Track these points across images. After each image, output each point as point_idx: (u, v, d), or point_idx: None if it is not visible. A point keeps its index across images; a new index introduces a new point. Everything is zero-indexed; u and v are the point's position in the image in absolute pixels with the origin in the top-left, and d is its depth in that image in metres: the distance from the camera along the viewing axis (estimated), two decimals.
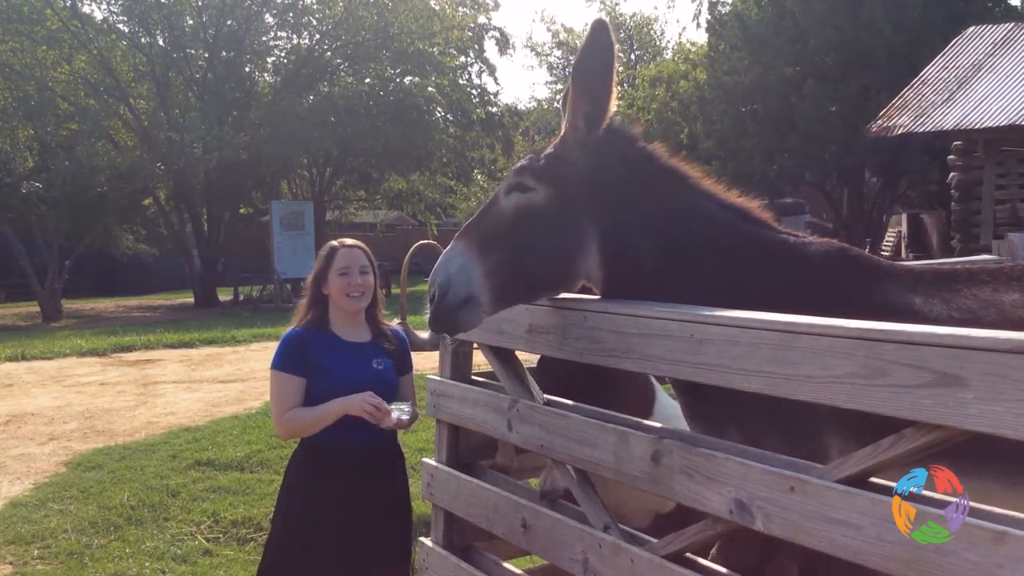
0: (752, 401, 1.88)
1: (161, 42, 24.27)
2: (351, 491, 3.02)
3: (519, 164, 2.37)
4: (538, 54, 51.73)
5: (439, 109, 28.17)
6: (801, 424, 2.03)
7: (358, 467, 3.05)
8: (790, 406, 1.80)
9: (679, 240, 2.29)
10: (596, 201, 2.29)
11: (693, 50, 29.83)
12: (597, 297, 2.37)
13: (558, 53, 50.38)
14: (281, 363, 3.05)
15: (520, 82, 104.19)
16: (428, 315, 2.27)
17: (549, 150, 2.36)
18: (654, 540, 2.18)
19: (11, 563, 4.84)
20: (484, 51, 29.45)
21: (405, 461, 3.32)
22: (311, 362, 3.03)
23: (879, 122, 15.19)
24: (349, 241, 3.26)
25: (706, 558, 2.16)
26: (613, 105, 2.30)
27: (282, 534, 3.07)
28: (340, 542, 3.00)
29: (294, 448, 3.23)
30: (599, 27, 2.24)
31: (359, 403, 2.95)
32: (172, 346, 13.66)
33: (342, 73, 27.24)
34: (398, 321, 3.91)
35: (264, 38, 26.55)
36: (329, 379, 3.02)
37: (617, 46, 2.28)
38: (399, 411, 3.01)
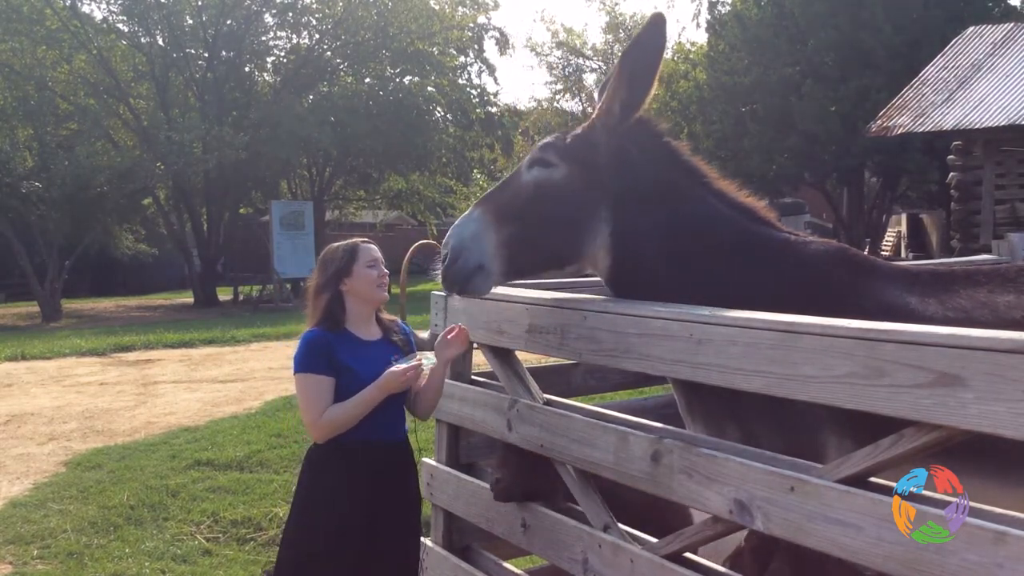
0: (750, 398, 1.89)
1: (161, 42, 24.23)
2: (373, 487, 3.01)
3: (544, 140, 2.41)
4: (538, 54, 51.75)
5: (439, 109, 28.13)
6: (799, 421, 2.04)
7: (378, 463, 3.04)
8: (788, 403, 1.81)
9: (686, 235, 2.31)
10: (613, 186, 2.31)
11: (693, 50, 29.78)
12: (596, 297, 2.38)
13: (558, 53, 50.34)
14: (310, 365, 2.98)
15: (520, 82, 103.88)
16: (439, 274, 2.34)
17: (577, 131, 2.39)
18: (654, 540, 2.18)
19: (11, 563, 4.83)
20: (484, 51, 29.48)
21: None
22: (337, 362, 2.98)
23: (879, 122, 15.18)
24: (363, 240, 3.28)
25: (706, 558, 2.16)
26: (649, 99, 2.31)
27: (304, 533, 3.04)
28: (363, 538, 2.99)
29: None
30: (658, 21, 2.23)
31: (396, 380, 2.90)
32: (172, 346, 13.64)
33: (342, 73, 27.21)
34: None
35: (264, 38, 26.51)
36: (355, 379, 2.97)
37: (667, 44, 2.28)
38: (423, 361, 2.98)
